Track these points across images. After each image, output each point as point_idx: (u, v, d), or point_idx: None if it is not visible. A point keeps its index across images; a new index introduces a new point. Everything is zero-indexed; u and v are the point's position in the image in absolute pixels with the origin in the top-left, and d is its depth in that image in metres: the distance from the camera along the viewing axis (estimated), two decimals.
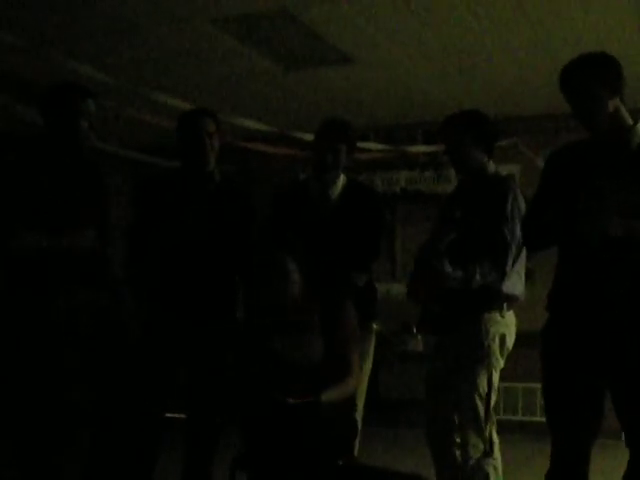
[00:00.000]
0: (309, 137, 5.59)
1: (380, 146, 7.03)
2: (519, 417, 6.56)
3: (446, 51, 5.71)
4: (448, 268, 3.43)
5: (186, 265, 3.63)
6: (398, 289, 7.28)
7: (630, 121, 2.88)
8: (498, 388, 3.61)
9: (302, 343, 3.36)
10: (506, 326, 3.56)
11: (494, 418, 3.57)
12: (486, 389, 3.49)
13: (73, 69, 4.79)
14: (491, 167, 3.68)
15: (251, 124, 5.86)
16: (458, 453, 3.60)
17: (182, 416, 3.72)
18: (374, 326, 4.03)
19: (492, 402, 3.53)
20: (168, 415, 3.70)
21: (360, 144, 6.96)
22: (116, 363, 3.68)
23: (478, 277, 3.42)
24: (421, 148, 7.21)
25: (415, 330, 6.87)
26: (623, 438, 2.86)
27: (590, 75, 2.83)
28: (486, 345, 3.48)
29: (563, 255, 2.98)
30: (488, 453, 3.49)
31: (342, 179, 3.96)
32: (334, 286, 3.73)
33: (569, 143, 3.06)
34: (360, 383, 3.68)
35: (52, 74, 5.82)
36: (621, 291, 2.78)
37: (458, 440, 3.60)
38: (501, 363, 3.58)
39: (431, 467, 3.74)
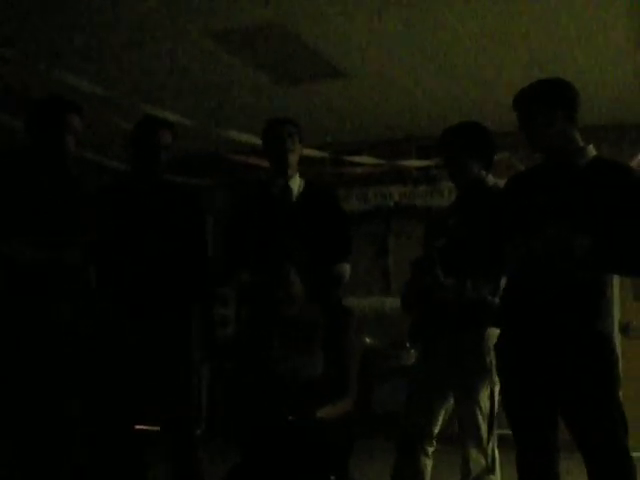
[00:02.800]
0: (306, 151, 5.62)
1: (373, 160, 7.03)
2: None
3: (439, 66, 5.73)
4: (441, 277, 3.43)
5: (139, 273, 3.63)
6: (391, 303, 7.28)
7: (581, 143, 3.02)
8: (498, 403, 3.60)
9: (302, 357, 3.36)
10: None
11: (495, 433, 3.56)
12: (488, 405, 3.48)
13: (70, 83, 4.79)
14: (490, 179, 3.68)
15: (244, 137, 5.87)
16: (424, 461, 3.58)
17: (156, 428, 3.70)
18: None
19: (494, 418, 3.52)
20: (142, 427, 3.68)
21: (353, 158, 7.04)
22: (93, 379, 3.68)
23: (469, 287, 3.41)
24: (415, 163, 7.22)
25: (408, 343, 6.85)
26: None
27: (536, 101, 3.02)
28: (488, 361, 3.46)
29: (512, 273, 3.06)
30: (490, 470, 3.48)
31: (299, 181, 4.00)
32: (339, 303, 3.75)
33: (526, 169, 3.26)
34: None
35: (49, 88, 5.85)
36: (566, 307, 2.86)
37: (428, 450, 3.58)
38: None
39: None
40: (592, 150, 3.02)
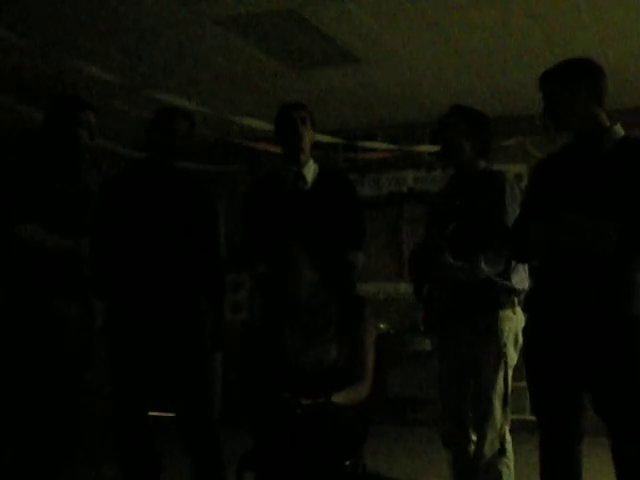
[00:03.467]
0: (319, 137, 5.62)
1: (387, 146, 7.02)
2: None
3: (454, 51, 5.71)
4: (450, 259, 3.43)
5: (148, 264, 3.63)
6: (405, 289, 7.28)
7: (607, 123, 2.95)
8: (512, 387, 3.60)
9: (316, 345, 3.37)
10: (518, 322, 3.57)
11: (509, 417, 3.57)
12: (503, 387, 3.49)
13: (79, 69, 4.81)
14: (481, 164, 3.70)
15: (259, 124, 5.87)
16: (472, 449, 3.59)
17: (170, 415, 3.72)
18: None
19: (508, 400, 3.53)
20: (155, 414, 3.70)
21: (367, 144, 7.03)
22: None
23: (483, 266, 3.42)
24: (428, 148, 7.20)
25: (422, 329, 6.86)
26: None
27: (561, 81, 2.98)
28: (502, 343, 3.47)
29: (543, 258, 3.02)
30: (502, 452, 3.49)
31: (313, 167, 3.97)
32: (354, 291, 3.75)
33: (554, 151, 3.14)
34: None
35: (59, 75, 5.88)
36: (596, 294, 2.81)
37: (474, 438, 3.59)
38: (515, 359, 3.58)
39: (438, 466, 3.73)
40: (619, 130, 2.95)
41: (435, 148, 7.08)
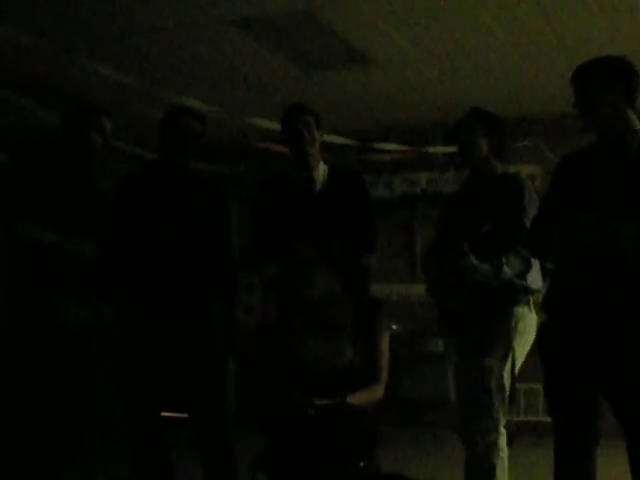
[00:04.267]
0: (329, 138, 5.60)
1: (401, 147, 7.02)
2: (540, 418, 6.53)
3: (466, 52, 5.70)
4: (476, 262, 3.44)
5: (159, 264, 3.62)
6: (418, 290, 7.27)
7: (637, 125, 2.90)
8: (520, 389, 3.59)
9: (330, 346, 3.37)
10: (532, 321, 3.57)
11: (506, 411, 3.55)
12: (508, 380, 3.49)
13: (94, 71, 4.83)
14: (499, 167, 3.70)
15: (271, 126, 5.87)
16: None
17: (184, 415, 3.72)
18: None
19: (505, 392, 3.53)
20: (168, 415, 3.70)
21: (380, 145, 7.02)
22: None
23: (506, 269, 3.42)
24: (441, 149, 7.19)
25: (437, 330, 6.85)
26: None
27: (595, 77, 2.91)
28: (511, 337, 3.48)
29: (562, 257, 3.00)
30: (499, 445, 3.48)
31: (323, 168, 3.95)
32: (369, 293, 3.75)
33: (579, 148, 3.08)
34: None
35: (74, 76, 5.90)
36: (617, 295, 2.78)
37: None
38: (523, 356, 3.58)
39: (450, 467, 3.72)
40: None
41: (448, 149, 7.07)
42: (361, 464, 3.23)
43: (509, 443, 3.50)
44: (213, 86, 6.34)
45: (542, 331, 3.11)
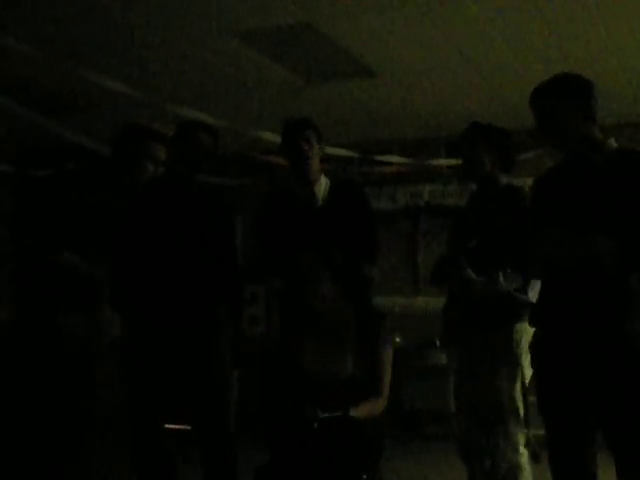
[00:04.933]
0: (331, 150, 5.61)
1: (403, 159, 7.02)
2: None
3: (469, 64, 5.71)
4: (471, 275, 3.44)
5: (166, 276, 3.63)
6: (421, 303, 7.27)
7: (600, 137, 2.94)
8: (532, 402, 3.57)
9: (333, 358, 3.37)
10: None
11: (524, 430, 3.53)
12: (518, 400, 3.47)
13: (99, 83, 4.83)
14: (503, 179, 3.71)
15: (274, 137, 5.88)
16: (489, 462, 3.56)
17: (187, 428, 3.71)
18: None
19: (520, 412, 3.50)
20: (172, 427, 3.69)
21: (383, 157, 7.03)
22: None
23: (502, 282, 3.41)
24: (444, 161, 7.19)
25: (439, 344, 6.84)
26: None
27: (553, 97, 2.96)
28: (518, 355, 3.47)
29: (544, 272, 3.02)
30: (520, 466, 3.45)
31: (324, 181, 3.95)
32: (372, 305, 3.74)
33: (549, 168, 3.14)
34: None
35: (80, 89, 5.92)
36: (594, 308, 2.79)
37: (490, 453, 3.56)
38: (530, 373, 3.55)
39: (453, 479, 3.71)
40: (612, 143, 2.93)
41: (451, 162, 7.08)
42: (364, 477, 3.22)
43: (537, 459, 3.49)
44: (216, 98, 6.35)
45: (531, 346, 3.11)
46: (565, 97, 2.93)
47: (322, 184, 3.93)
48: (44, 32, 5.03)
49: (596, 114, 2.95)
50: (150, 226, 3.68)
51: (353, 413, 3.23)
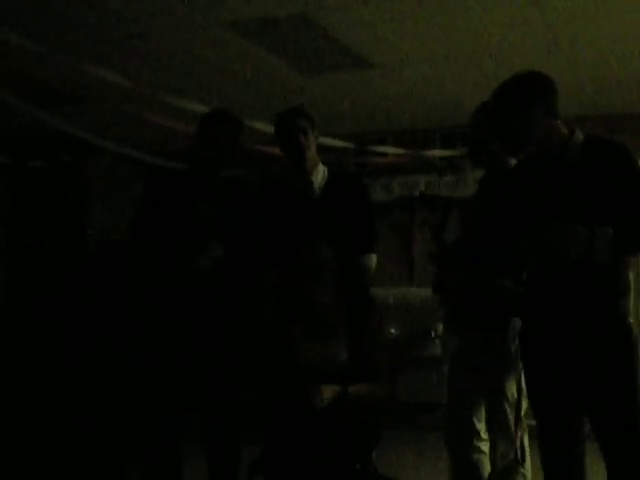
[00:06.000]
0: (327, 141, 5.60)
1: (399, 150, 7.02)
2: None
3: (464, 55, 5.70)
4: (469, 266, 3.42)
5: (189, 265, 3.64)
6: (416, 293, 7.28)
7: (565, 132, 2.94)
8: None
9: (326, 347, 3.37)
10: None
11: (525, 424, 3.53)
12: (515, 395, 3.46)
13: (90, 73, 4.82)
14: (512, 162, 3.64)
15: (268, 128, 5.87)
16: (477, 457, 3.56)
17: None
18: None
19: (522, 408, 3.49)
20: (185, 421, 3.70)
21: (378, 148, 7.02)
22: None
23: (498, 275, 3.40)
24: (439, 152, 7.20)
25: (445, 329, 6.85)
26: None
27: (511, 99, 2.95)
28: (513, 350, 3.44)
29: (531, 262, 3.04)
30: (518, 461, 3.45)
31: (322, 169, 3.93)
32: (366, 293, 3.74)
33: (521, 161, 3.14)
34: None
35: (69, 78, 5.90)
36: (584, 291, 2.82)
37: (479, 445, 3.56)
38: None
39: (447, 471, 3.72)
40: (579, 136, 2.92)
41: (446, 153, 7.09)
42: (357, 466, 3.23)
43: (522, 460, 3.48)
44: (211, 88, 6.33)
45: (520, 335, 3.13)
46: (528, 100, 2.90)
47: (320, 173, 3.91)
48: (37, 23, 5.02)
49: (558, 110, 2.93)
50: (174, 215, 3.69)
51: (352, 390, 3.22)
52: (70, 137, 5.56)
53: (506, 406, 3.45)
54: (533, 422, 3.09)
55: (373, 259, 3.89)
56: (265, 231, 3.90)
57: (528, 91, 2.92)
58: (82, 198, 8.29)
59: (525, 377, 3.08)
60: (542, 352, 2.94)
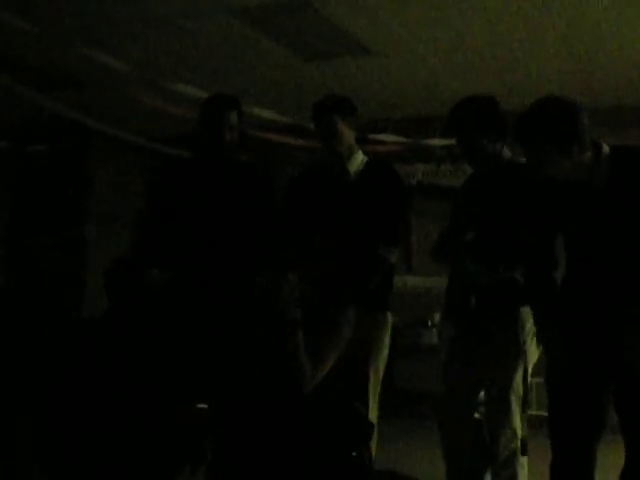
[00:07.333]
0: None
1: (397, 138, 7.01)
2: None
3: (466, 43, 5.69)
4: (470, 266, 3.41)
5: (201, 252, 3.65)
6: (413, 282, 7.28)
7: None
8: (531, 383, 3.57)
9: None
10: None
11: (525, 414, 3.52)
12: (522, 386, 3.45)
13: (94, 58, 4.81)
14: (506, 153, 3.61)
15: (269, 115, 5.87)
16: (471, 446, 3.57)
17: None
18: (389, 316, 3.99)
19: (527, 399, 3.49)
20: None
21: (377, 136, 7.01)
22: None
23: (502, 270, 3.39)
24: (438, 141, 7.19)
25: (444, 317, 6.84)
26: None
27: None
28: (522, 341, 3.42)
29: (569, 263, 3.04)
30: (521, 451, 3.45)
31: (361, 156, 3.94)
32: (346, 290, 3.71)
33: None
34: (376, 371, 3.69)
35: (75, 64, 5.89)
36: (619, 297, 2.81)
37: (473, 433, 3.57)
38: (535, 357, 3.54)
39: (442, 459, 3.72)
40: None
41: (445, 142, 7.07)
42: (353, 454, 3.23)
43: (523, 452, 3.47)
44: (211, 74, 6.32)
45: (548, 336, 3.10)
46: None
47: (358, 160, 3.93)
48: (39, 8, 5.00)
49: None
50: (184, 203, 3.70)
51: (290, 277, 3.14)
52: (69, 121, 5.55)
53: (511, 396, 3.45)
54: (535, 413, 3.06)
55: (393, 251, 3.84)
56: (293, 215, 3.89)
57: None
58: (82, 182, 8.29)
59: (550, 373, 3.03)
60: (565, 349, 2.91)
